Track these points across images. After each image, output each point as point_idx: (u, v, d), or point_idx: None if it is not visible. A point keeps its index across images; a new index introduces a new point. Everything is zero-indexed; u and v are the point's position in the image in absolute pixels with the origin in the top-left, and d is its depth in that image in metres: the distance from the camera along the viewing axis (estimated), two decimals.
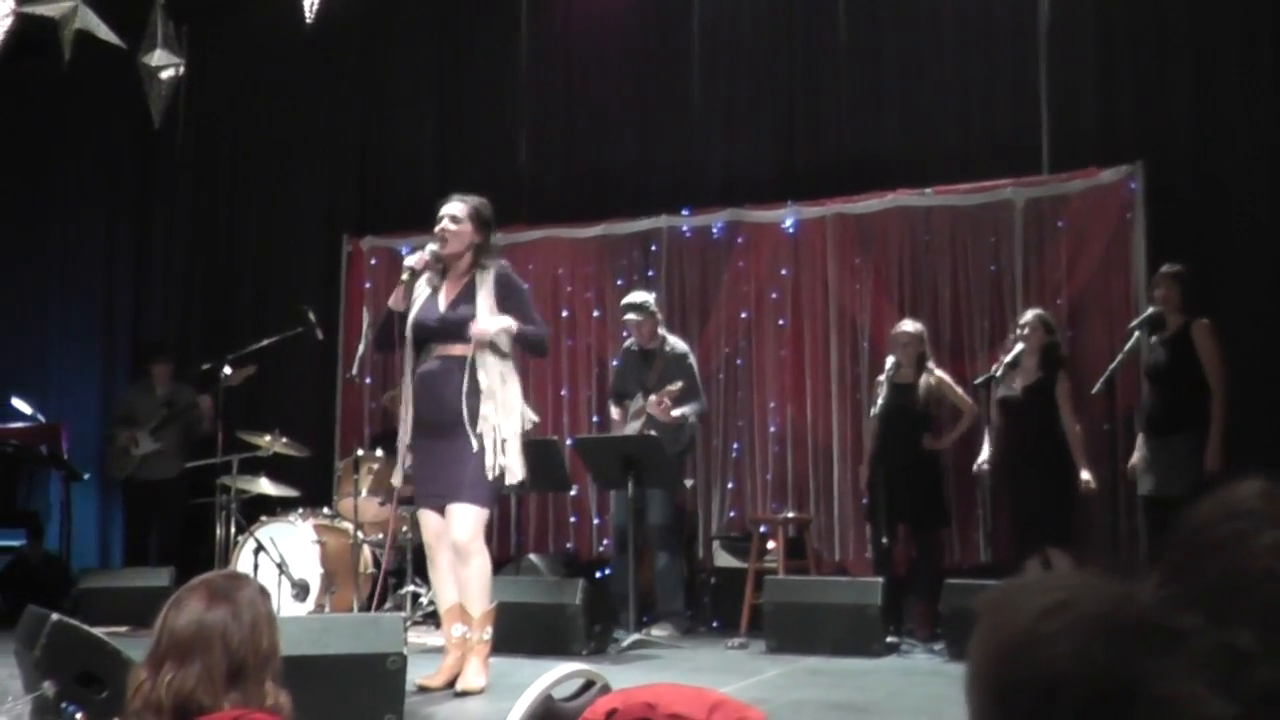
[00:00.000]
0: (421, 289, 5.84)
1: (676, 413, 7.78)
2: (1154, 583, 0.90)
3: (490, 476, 5.60)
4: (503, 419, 5.66)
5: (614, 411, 8.27)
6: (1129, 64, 8.30)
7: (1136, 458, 7.13)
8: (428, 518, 5.77)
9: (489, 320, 5.65)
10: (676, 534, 8.12)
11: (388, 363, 9.13)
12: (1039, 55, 8.46)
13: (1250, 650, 0.85)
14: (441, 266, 5.86)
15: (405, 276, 5.82)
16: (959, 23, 8.77)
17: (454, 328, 5.68)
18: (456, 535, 5.58)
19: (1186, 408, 6.88)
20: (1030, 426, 7.31)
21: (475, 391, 5.62)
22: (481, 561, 5.64)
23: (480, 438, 5.58)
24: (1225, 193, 7.90)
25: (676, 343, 8.14)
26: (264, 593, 2.63)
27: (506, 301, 5.76)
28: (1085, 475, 7.23)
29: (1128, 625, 0.85)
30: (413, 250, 6.47)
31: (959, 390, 7.79)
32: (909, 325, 7.82)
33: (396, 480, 6.09)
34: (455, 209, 5.82)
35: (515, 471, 5.71)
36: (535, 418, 6.08)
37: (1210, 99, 8.01)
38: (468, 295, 5.75)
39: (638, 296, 8.13)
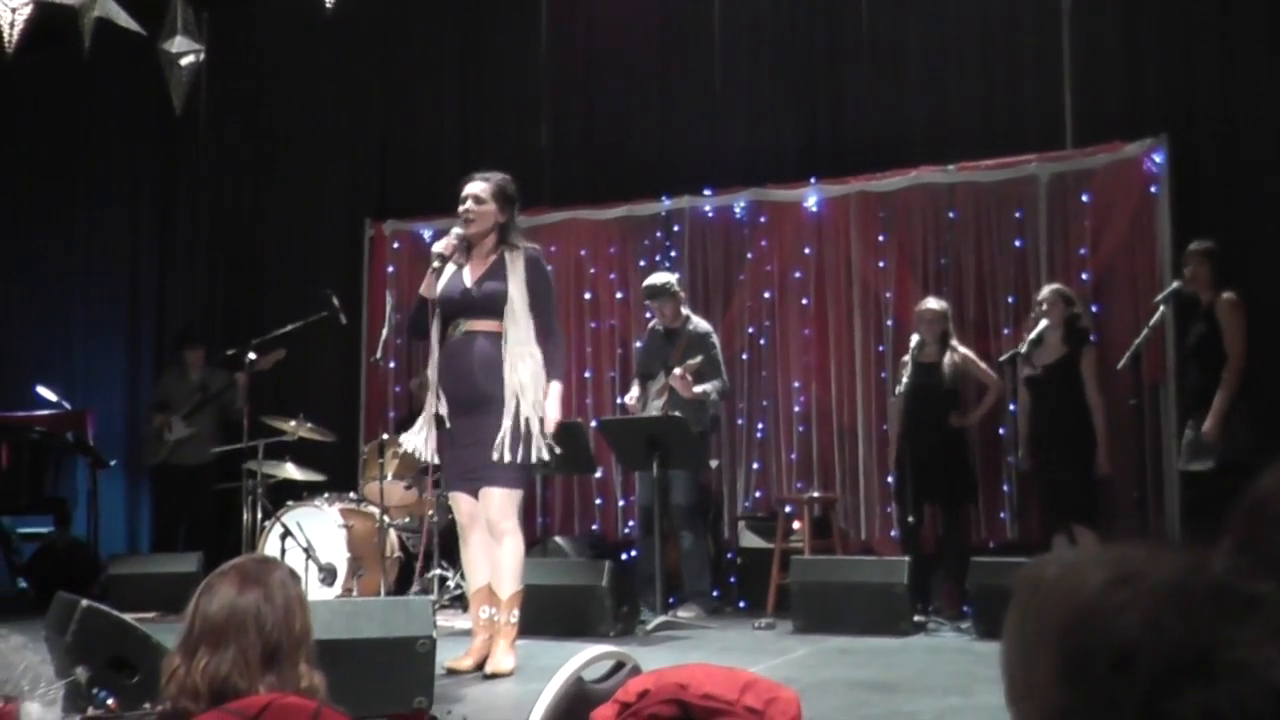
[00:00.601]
0: (449, 269, 5.84)
1: (698, 389, 7.76)
2: (1223, 552, 0.90)
3: (520, 456, 5.60)
4: (529, 396, 5.65)
5: (633, 390, 8.21)
6: (1153, 36, 8.24)
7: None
8: (459, 500, 5.78)
9: (554, 411, 5.73)
10: (700, 514, 8.12)
11: (411, 346, 9.16)
12: (1062, 28, 8.41)
13: None
14: (466, 245, 5.85)
15: (435, 264, 5.79)
16: None
17: (482, 302, 5.68)
18: (492, 516, 5.60)
19: (1217, 384, 6.83)
20: (1056, 402, 7.29)
21: (502, 367, 5.62)
22: (515, 543, 5.65)
23: (508, 419, 5.58)
24: (1250, 165, 7.83)
25: (699, 322, 8.13)
26: (295, 576, 2.64)
27: (536, 295, 5.74)
28: (1100, 456, 7.24)
29: (1200, 593, 0.85)
30: (437, 236, 6.47)
31: (983, 365, 7.77)
32: (933, 303, 7.79)
33: (426, 454, 6.01)
34: (478, 189, 5.81)
35: (543, 448, 5.71)
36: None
37: (1236, 71, 7.94)
38: (496, 272, 5.73)
39: (658, 279, 8.10)
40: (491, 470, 5.59)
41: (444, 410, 5.75)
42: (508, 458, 5.57)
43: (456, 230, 5.84)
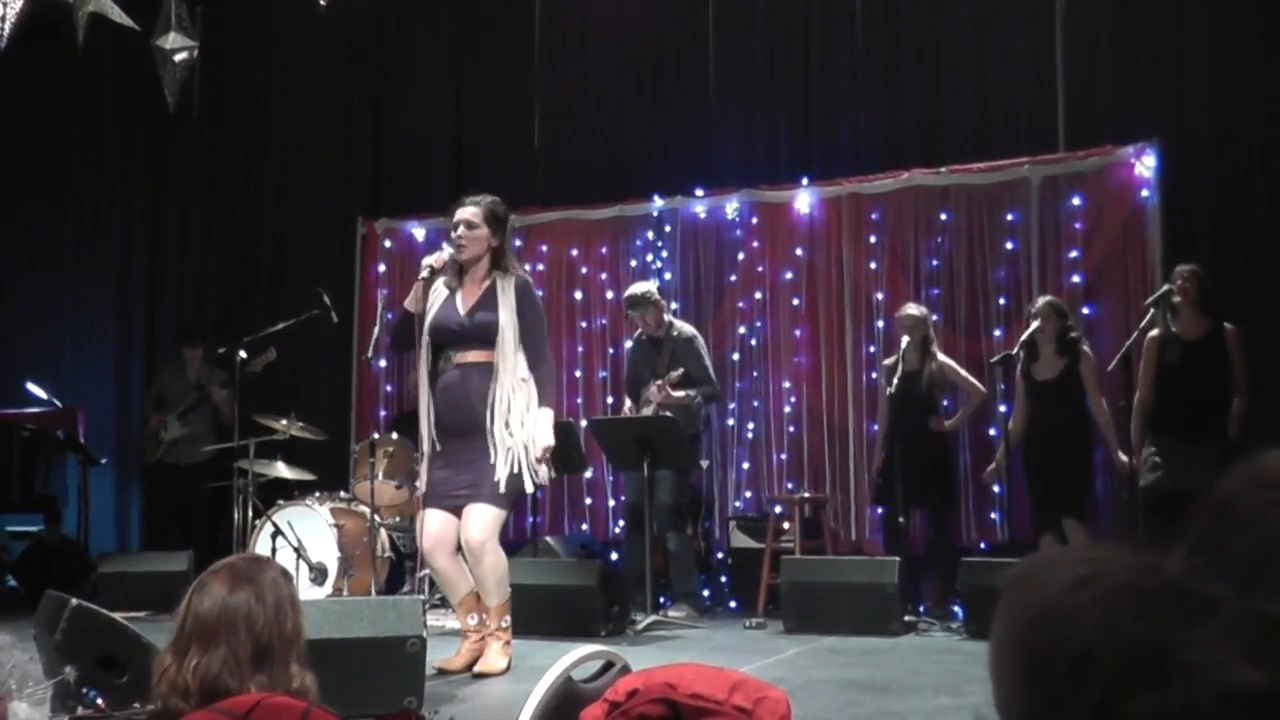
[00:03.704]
0: (439, 291, 5.75)
1: (679, 394, 7.74)
2: (1181, 553, 0.90)
3: (509, 483, 5.55)
4: (522, 425, 5.61)
5: (628, 405, 8.21)
6: (1146, 41, 8.26)
7: (1145, 454, 7.02)
8: (430, 517, 5.64)
9: (546, 436, 5.63)
10: (684, 514, 8.02)
11: (399, 355, 9.15)
12: (1055, 31, 8.43)
13: None
14: (459, 269, 5.79)
15: (425, 274, 5.72)
16: (976, 0, 8.74)
17: (475, 333, 5.62)
18: (471, 535, 5.50)
19: (1215, 413, 6.84)
20: (1056, 413, 7.29)
21: (495, 399, 5.57)
22: (495, 559, 5.57)
23: (499, 447, 5.53)
24: (1241, 170, 7.86)
25: (684, 327, 8.09)
26: (286, 575, 2.64)
27: (526, 325, 5.65)
28: (1124, 457, 7.20)
29: (1156, 595, 0.85)
30: (430, 236, 6.44)
31: (963, 373, 7.78)
32: (912, 308, 7.79)
33: (422, 484, 5.96)
34: (469, 213, 5.72)
35: (540, 475, 5.67)
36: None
37: (1227, 77, 7.96)
38: (488, 301, 5.65)
39: (638, 288, 8.05)
40: (480, 489, 5.52)
41: (435, 436, 5.70)
42: (501, 487, 5.53)
43: (449, 249, 5.78)
